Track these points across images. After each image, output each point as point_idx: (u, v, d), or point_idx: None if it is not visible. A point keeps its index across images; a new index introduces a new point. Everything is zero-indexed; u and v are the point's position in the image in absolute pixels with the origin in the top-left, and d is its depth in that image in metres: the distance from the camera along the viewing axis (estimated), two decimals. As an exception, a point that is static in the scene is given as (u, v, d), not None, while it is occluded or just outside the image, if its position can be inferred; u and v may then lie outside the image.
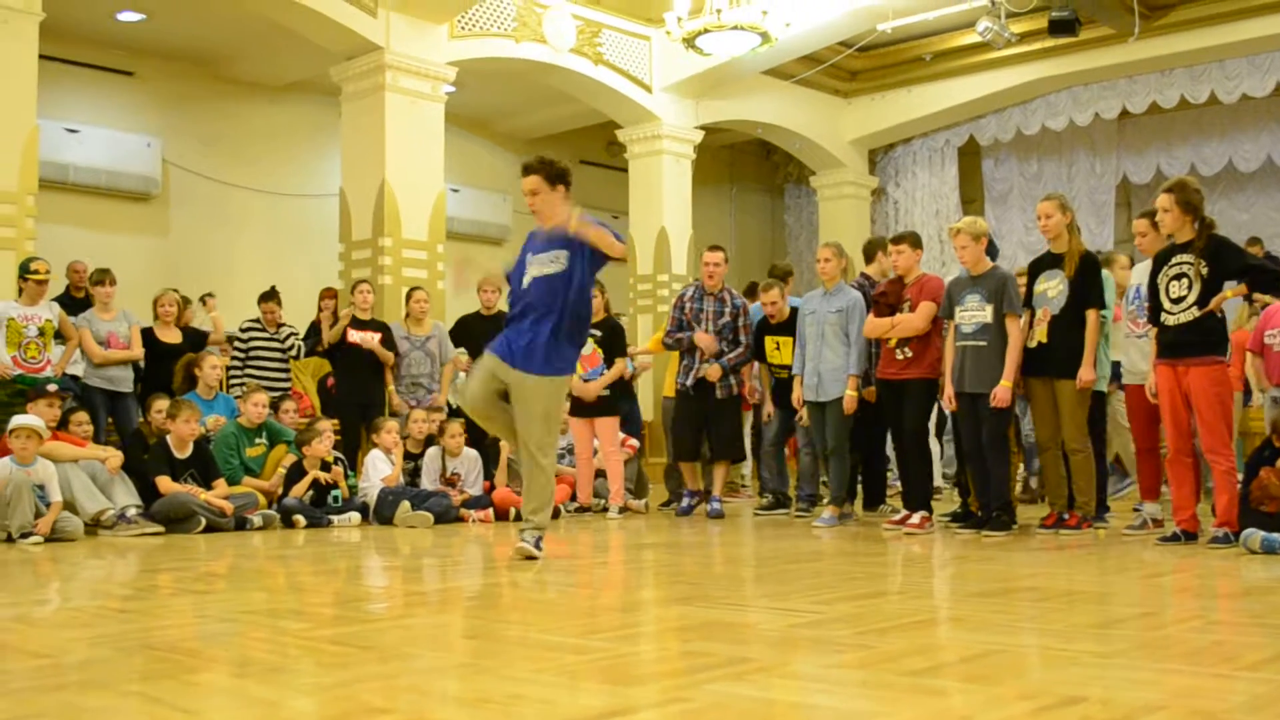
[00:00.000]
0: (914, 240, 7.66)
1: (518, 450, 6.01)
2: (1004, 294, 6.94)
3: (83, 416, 8.22)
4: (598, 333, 8.98)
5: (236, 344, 10.05)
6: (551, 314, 5.70)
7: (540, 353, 5.67)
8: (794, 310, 8.70)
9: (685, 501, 8.83)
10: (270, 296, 10.08)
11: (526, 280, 5.81)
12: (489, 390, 5.79)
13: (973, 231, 7.11)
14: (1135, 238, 7.15)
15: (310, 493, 8.24)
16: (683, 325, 8.84)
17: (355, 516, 8.31)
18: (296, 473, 8.31)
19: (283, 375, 10.00)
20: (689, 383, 8.72)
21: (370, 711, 2.61)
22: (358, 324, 9.67)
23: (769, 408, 9.04)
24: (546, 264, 5.76)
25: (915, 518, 7.25)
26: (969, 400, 7.03)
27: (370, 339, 9.56)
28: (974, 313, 7.00)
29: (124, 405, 8.99)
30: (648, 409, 13.41)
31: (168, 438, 8.04)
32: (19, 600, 4.86)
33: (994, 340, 6.94)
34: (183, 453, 8.02)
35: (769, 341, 8.74)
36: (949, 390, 7.12)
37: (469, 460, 8.75)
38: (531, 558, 5.68)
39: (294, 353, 10.11)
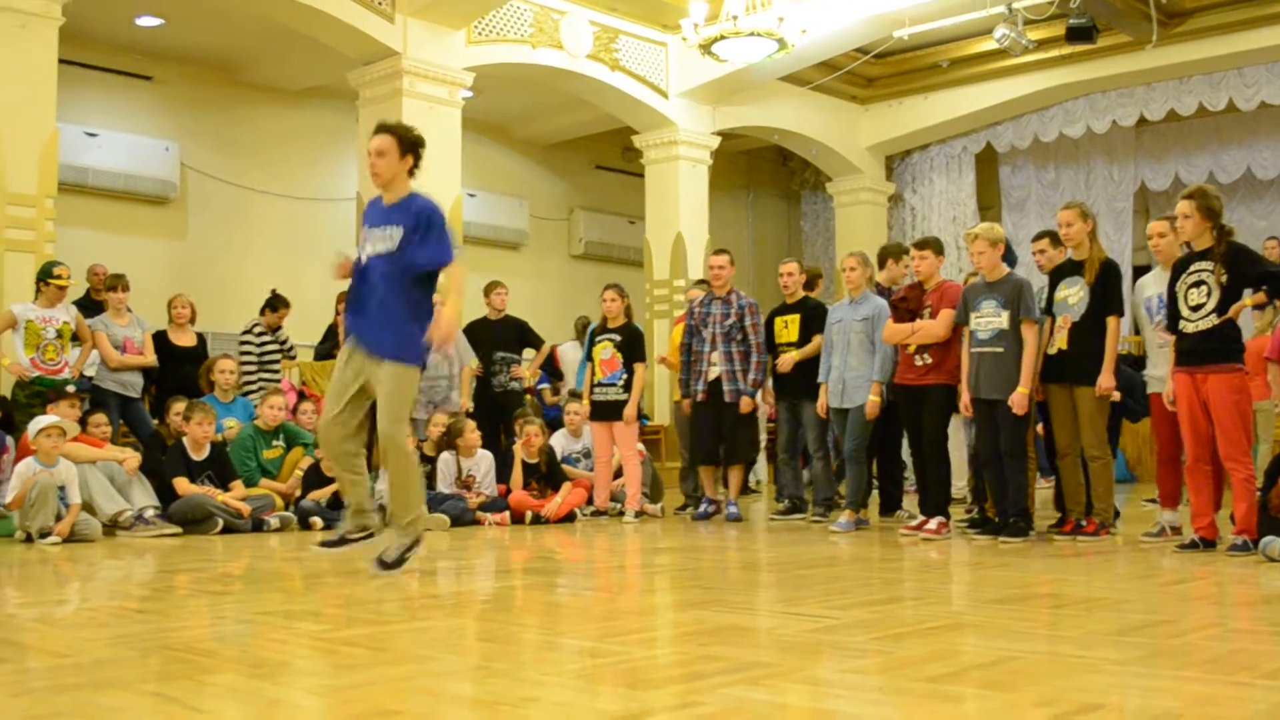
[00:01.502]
0: (937, 246, 7.64)
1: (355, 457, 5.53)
2: (1020, 300, 6.92)
3: (101, 418, 8.26)
4: (617, 337, 8.99)
5: (248, 347, 10.12)
6: (389, 296, 5.27)
7: (390, 336, 5.27)
8: (807, 298, 8.83)
9: (703, 507, 8.82)
10: (287, 304, 10.27)
11: (365, 255, 5.40)
12: (350, 401, 5.35)
13: (990, 237, 7.08)
14: (1153, 238, 7.12)
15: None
16: (693, 331, 8.87)
17: (371, 519, 8.30)
18: (314, 475, 8.33)
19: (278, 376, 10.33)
20: (700, 387, 8.72)
21: (383, 714, 2.61)
22: None
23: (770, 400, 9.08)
24: (381, 240, 5.35)
25: (932, 523, 7.22)
26: (986, 407, 7.00)
27: None
28: (990, 319, 6.98)
29: (135, 408, 9.05)
30: (663, 414, 13.43)
31: (185, 439, 8.07)
32: (39, 600, 4.89)
33: (1010, 346, 6.90)
34: (200, 455, 8.05)
35: (778, 321, 8.77)
36: (965, 397, 7.09)
37: (484, 461, 8.77)
38: (389, 565, 5.28)
39: (292, 352, 10.54)
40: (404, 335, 5.28)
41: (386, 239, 5.33)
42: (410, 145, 5.46)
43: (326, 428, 5.45)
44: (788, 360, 8.54)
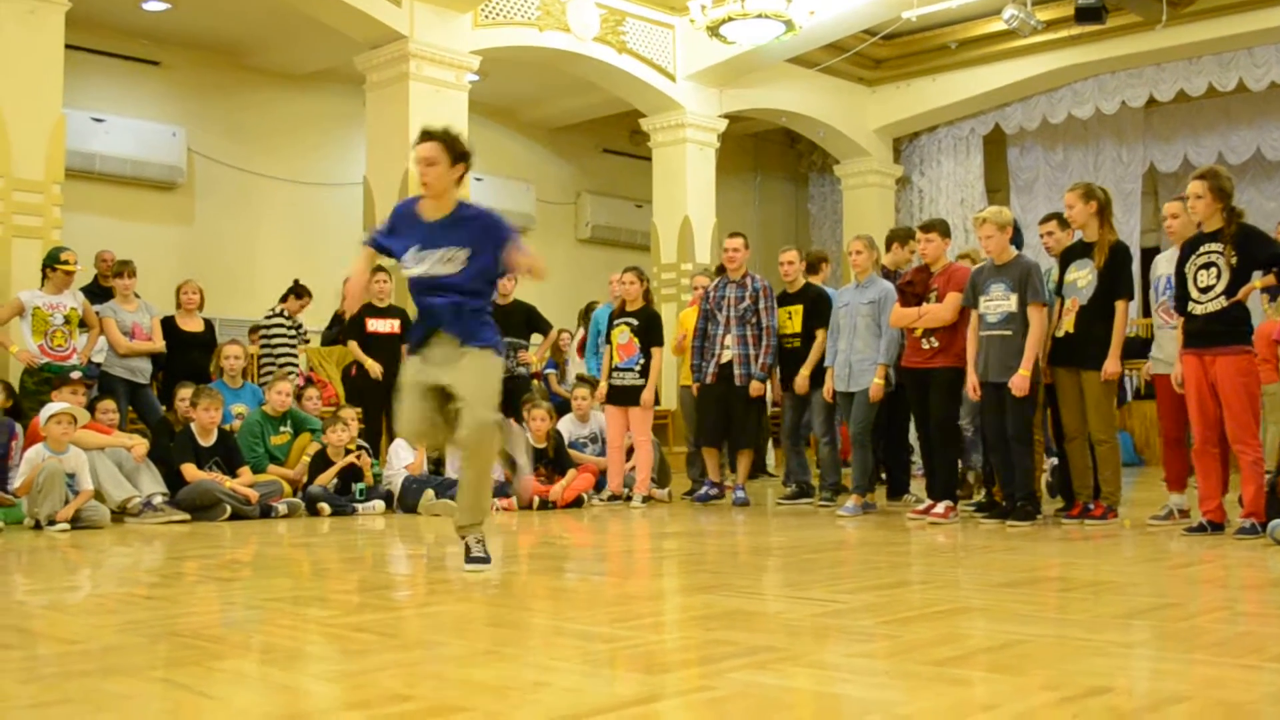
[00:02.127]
0: (944, 229, 7.62)
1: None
2: (1029, 282, 6.90)
3: (109, 404, 8.29)
4: (635, 321, 8.95)
5: (278, 330, 10.23)
6: (465, 300, 4.94)
7: (474, 326, 4.96)
8: (809, 285, 8.80)
9: (704, 489, 8.81)
10: (309, 295, 10.48)
11: (417, 272, 4.96)
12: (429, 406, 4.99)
13: (998, 221, 7.06)
14: (1167, 219, 7.08)
15: (335, 481, 8.27)
16: (708, 315, 8.83)
17: (379, 505, 8.33)
18: (321, 461, 8.34)
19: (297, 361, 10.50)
20: (711, 369, 8.68)
21: (392, 698, 2.62)
22: (376, 312, 9.71)
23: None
24: (441, 263, 4.92)
25: (940, 507, 7.22)
26: (994, 390, 6.99)
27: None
28: (998, 302, 6.96)
29: (144, 395, 9.09)
30: (669, 398, 13.43)
31: (192, 425, 8.08)
32: (48, 587, 4.91)
33: (1019, 329, 6.89)
34: (207, 441, 8.06)
35: (781, 313, 8.75)
36: (973, 379, 7.08)
37: (491, 446, 8.76)
38: (478, 560, 4.89)
39: (306, 337, 10.73)
40: (485, 326, 5.00)
41: (448, 261, 4.92)
42: (460, 155, 4.99)
43: (420, 434, 5.13)
44: (802, 383, 8.50)
